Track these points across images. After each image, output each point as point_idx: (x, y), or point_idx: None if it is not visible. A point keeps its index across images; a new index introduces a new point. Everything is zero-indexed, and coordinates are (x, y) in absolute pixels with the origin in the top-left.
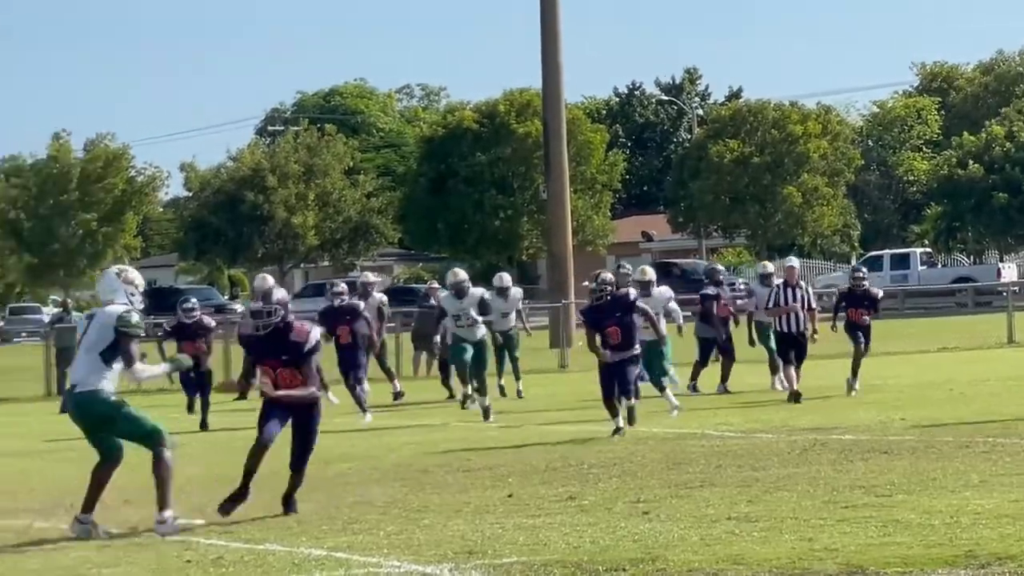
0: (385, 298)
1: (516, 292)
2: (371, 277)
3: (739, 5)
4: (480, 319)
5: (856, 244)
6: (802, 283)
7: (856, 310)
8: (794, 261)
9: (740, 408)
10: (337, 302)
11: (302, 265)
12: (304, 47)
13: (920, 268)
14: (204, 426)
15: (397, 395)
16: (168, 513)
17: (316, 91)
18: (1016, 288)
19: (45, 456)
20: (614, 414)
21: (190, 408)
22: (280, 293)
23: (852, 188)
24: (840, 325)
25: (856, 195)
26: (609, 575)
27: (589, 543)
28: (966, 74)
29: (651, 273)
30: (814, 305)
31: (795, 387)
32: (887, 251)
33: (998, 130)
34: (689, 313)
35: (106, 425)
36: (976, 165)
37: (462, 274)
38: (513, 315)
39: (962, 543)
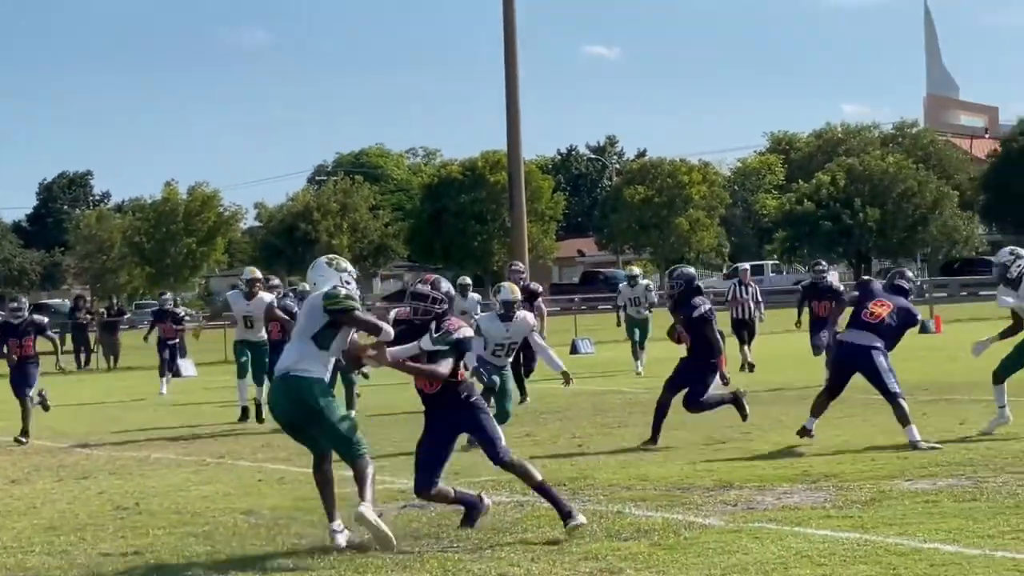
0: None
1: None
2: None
3: (645, 91)
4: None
5: (726, 258)
6: (751, 282)
7: (820, 303)
8: (745, 265)
9: (649, 374)
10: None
11: None
12: (340, 122)
13: (771, 275)
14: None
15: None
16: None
17: (349, 152)
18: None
19: (159, 407)
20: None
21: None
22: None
23: (723, 219)
24: (805, 321)
25: (726, 224)
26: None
27: (540, 467)
28: (803, 139)
29: (516, 293)
30: (760, 299)
31: (749, 360)
32: (748, 263)
33: (824, 178)
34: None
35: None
36: (809, 203)
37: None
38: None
39: (800, 466)
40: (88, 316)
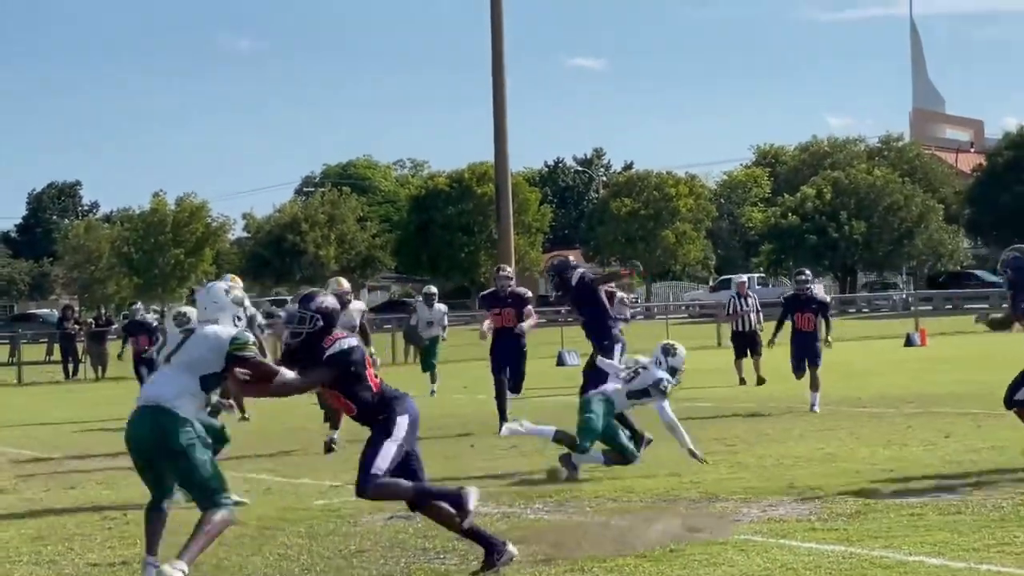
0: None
1: (440, 307)
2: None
3: (634, 103)
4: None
5: (712, 271)
6: (751, 293)
7: (803, 315)
8: (743, 277)
9: None
10: None
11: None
12: (328, 133)
13: (757, 287)
14: None
15: None
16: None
17: (337, 163)
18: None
19: None
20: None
21: None
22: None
23: (710, 232)
24: (781, 335)
25: (712, 237)
26: (541, 500)
27: (527, 479)
28: (789, 152)
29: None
30: (759, 308)
31: (759, 374)
32: (734, 276)
33: (810, 192)
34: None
35: None
36: (795, 216)
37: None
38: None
39: (785, 479)
40: (76, 326)
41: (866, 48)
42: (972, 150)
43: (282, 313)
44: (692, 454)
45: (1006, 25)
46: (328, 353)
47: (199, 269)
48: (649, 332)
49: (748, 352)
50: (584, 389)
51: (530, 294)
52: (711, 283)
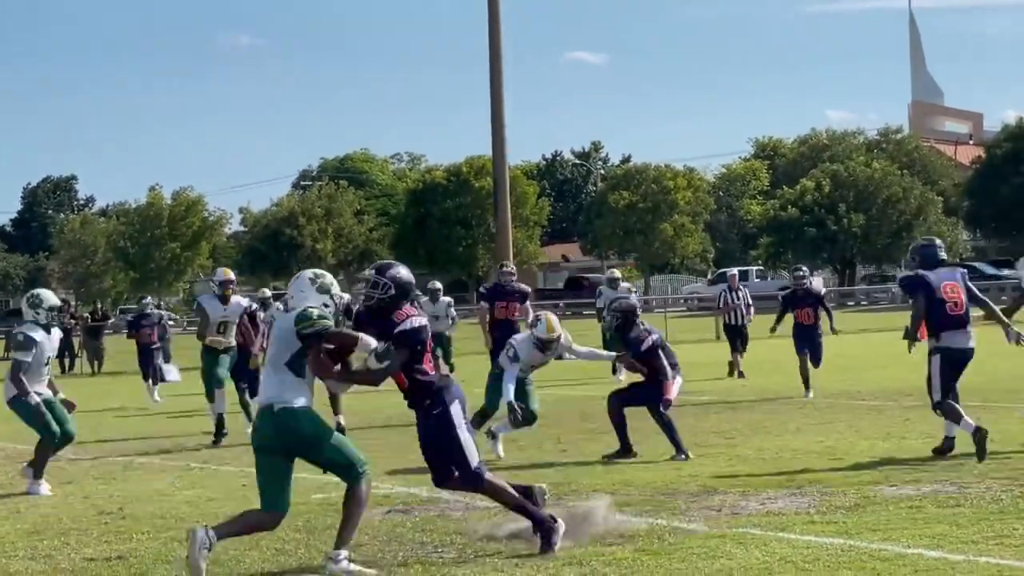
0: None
1: (445, 300)
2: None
3: (632, 96)
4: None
5: (711, 264)
6: (740, 286)
7: (802, 310)
8: (734, 270)
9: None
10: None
11: None
12: (325, 125)
13: (755, 280)
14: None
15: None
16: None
17: (334, 156)
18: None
19: (144, 413)
20: None
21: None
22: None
23: (708, 225)
24: (781, 327)
25: (711, 229)
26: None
27: (526, 472)
28: (788, 144)
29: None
30: (750, 302)
31: (740, 368)
32: (733, 269)
33: (809, 184)
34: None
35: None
36: (793, 209)
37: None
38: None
39: (784, 471)
40: (72, 321)
41: (865, 41)
42: (971, 142)
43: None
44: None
45: (1005, 17)
46: (400, 328)
47: (195, 263)
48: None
49: (736, 345)
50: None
51: (530, 290)
52: (709, 276)
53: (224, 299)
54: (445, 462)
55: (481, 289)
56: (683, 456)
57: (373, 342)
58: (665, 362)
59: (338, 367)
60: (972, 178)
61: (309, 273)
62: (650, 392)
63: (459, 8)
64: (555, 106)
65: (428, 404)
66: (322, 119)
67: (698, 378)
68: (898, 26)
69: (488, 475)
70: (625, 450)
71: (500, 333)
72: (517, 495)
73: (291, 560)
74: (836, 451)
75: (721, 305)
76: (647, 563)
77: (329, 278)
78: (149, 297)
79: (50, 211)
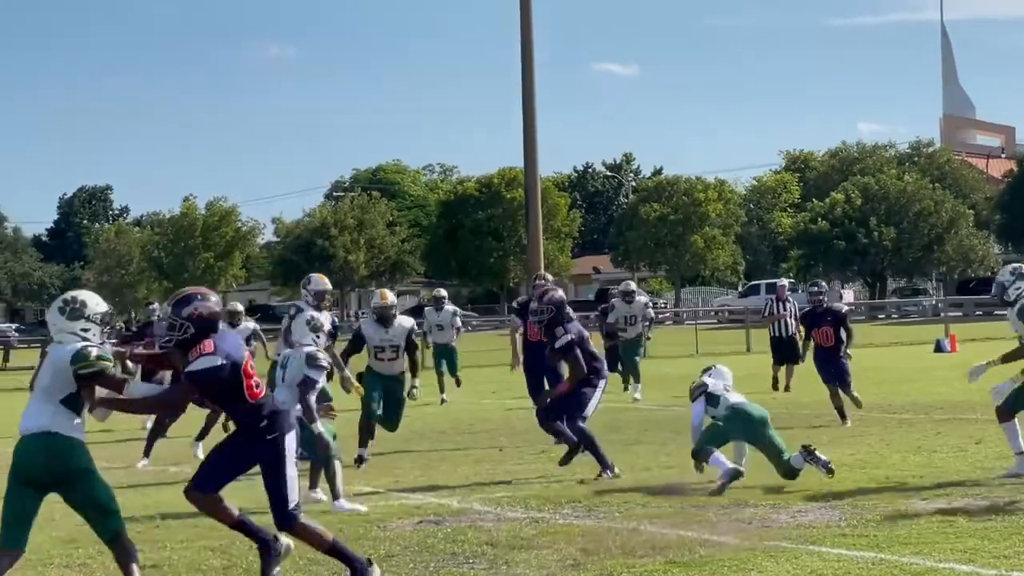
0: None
1: (450, 308)
2: (238, 307)
3: (663, 108)
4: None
5: (741, 276)
6: (790, 297)
7: (820, 330)
8: (783, 280)
9: (661, 387)
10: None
11: (356, 290)
12: (358, 136)
13: (767, 295)
14: None
15: None
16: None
17: (366, 167)
18: (852, 306)
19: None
20: None
21: None
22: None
23: (739, 237)
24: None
25: (741, 242)
26: (570, 505)
27: (556, 483)
28: (818, 157)
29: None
30: (798, 313)
31: (788, 383)
32: (763, 281)
33: (839, 197)
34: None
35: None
36: (824, 222)
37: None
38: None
39: (814, 485)
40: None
41: (897, 54)
42: (1003, 156)
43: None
44: None
45: None
46: (188, 368)
47: (228, 273)
48: (678, 338)
49: (786, 359)
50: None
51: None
52: (740, 288)
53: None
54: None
55: (515, 303)
56: (609, 473)
57: (141, 389)
58: (582, 363)
59: (117, 394)
60: (1004, 191)
61: (59, 302)
62: (571, 405)
63: (491, 20)
64: (587, 118)
65: (264, 426)
66: (355, 130)
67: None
68: (930, 39)
69: (302, 519)
70: (607, 467)
71: (532, 357)
72: (329, 538)
73: (323, 570)
74: (867, 464)
75: (766, 315)
76: (677, 575)
77: (81, 301)
78: (156, 303)
79: (85, 221)
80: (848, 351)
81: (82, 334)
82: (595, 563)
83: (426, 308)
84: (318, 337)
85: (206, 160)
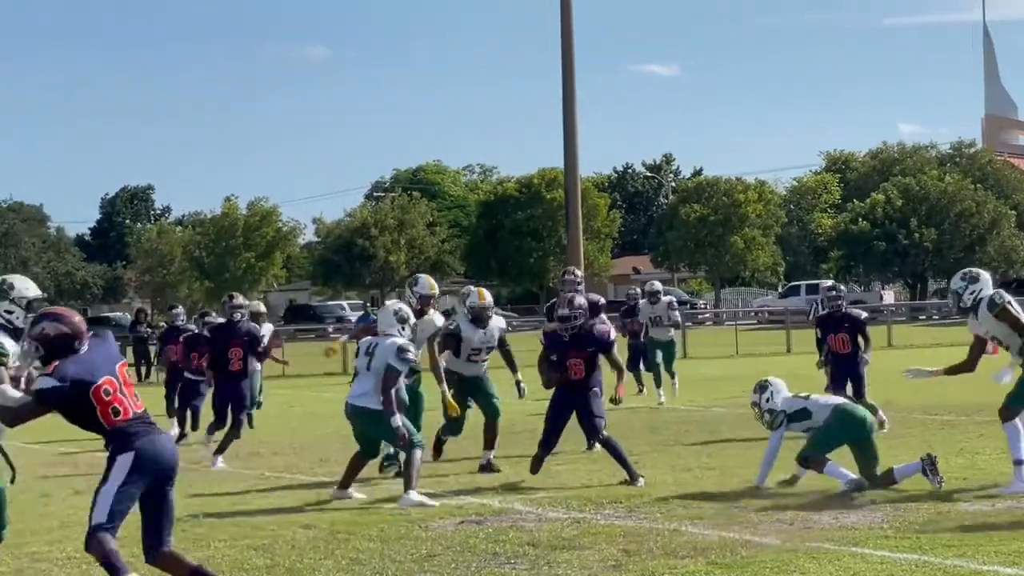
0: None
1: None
2: (261, 307)
3: (702, 109)
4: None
5: (781, 277)
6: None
7: (836, 336)
8: (829, 281)
9: (701, 388)
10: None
11: (395, 290)
12: (398, 137)
13: (813, 296)
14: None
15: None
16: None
17: (407, 168)
18: (892, 307)
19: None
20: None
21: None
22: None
23: (779, 238)
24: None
25: (781, 243)
26: (611, 506)
27: (597, 483)
28: (859, 158)
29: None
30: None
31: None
32: (803, 282)
33: (880, 198)
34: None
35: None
36: (864, 223)
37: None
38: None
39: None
40: (149, 330)
41: (938, 54)
42: None
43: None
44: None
45: None
46: (33, 386)
47: (269, 273)
48: (718, 339)
49: None
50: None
51: (603, 300)
52: (780, 289)
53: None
54: None
55: (548, 307)
56: (637, 483)
57: (10, 395)
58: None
59: None
60: None
61: (392, 305)
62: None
63: (532, 20)
64: (627, 118)
65: (112, 448)
66: (395, 130)
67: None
68: (972, 39)
69: (102, 537)
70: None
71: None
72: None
73: (366, 570)
74: None
75: (811, 317)
76: None
77: (9, 283)
78: (180, 308)
79: (127, 221)
80: (866, 356)
81: (6, 316)
82: (637, 564)
83: (641, 302)
84: (403, 329)
85: (247, 160)
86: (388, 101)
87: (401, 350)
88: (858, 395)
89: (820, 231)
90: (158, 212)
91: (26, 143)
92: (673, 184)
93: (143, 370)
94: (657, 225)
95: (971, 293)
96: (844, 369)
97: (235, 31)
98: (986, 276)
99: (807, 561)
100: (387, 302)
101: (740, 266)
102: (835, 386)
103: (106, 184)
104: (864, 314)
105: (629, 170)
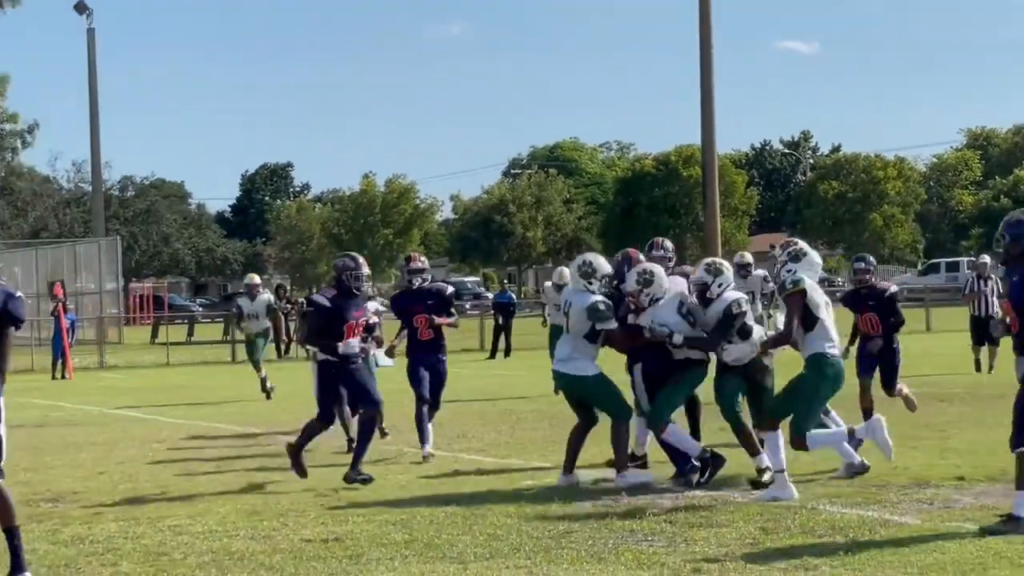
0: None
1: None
2: (255, 279)
3: (841, 86)
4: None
5: (921, 255)
6: (992, 274)
7: (864, 316)
8: (986, 257)
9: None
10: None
11: (533, 267)
12: (536, 114)
13: (967, 271)
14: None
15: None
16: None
17: (544, 145)
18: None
19: None
20: None
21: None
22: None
23: (918, 215)
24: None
25: (921, 220)
26: (748, 484)
27: (735, 461)
28: (1001, 134)
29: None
30: (1002, 292)
31: (993, 362)
32: (943, 260)
33: (1023, 174)
34: None
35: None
36: (1007, 199)
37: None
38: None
39: (998, 464)
40: (288, 306)
41: None
42: None
43: None
44: None
45: None
46: None
47: (407, 250)
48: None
49: (987, 339)
50: None
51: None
52: (920, 267)
53: (252, 296)
54: None
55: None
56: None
57: None
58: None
59: None
60: None
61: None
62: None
63: None
64: (765, 95)
65: None
66: (532, 108)
67: (909, 373)
68: None
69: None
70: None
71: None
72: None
73: (503, 545)
74: None
75: (967, 292)
76: (858, 555)
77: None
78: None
79: (267, 198)
80: (892, 333)
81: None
82: (774, 542)
83: (547, 287)
84: (590, 283)
85: (385, 138)
86: (525, 78)
87: (593, 309)
88: (887, 386)
89: (961, 208)
90: (297, 189)
91: (168, 121)
92: (811, 161)
93: (283, 346)
94: (795, 202)
95: (720, 286)
96: (870, 353)
97: (374, 11)
98: None
99: (947, 540)
100: (573, 261)
101: (879, 243)
102: (861, 372)
103: (246, 161)
104: (893, 287)
105: (767, 147)
